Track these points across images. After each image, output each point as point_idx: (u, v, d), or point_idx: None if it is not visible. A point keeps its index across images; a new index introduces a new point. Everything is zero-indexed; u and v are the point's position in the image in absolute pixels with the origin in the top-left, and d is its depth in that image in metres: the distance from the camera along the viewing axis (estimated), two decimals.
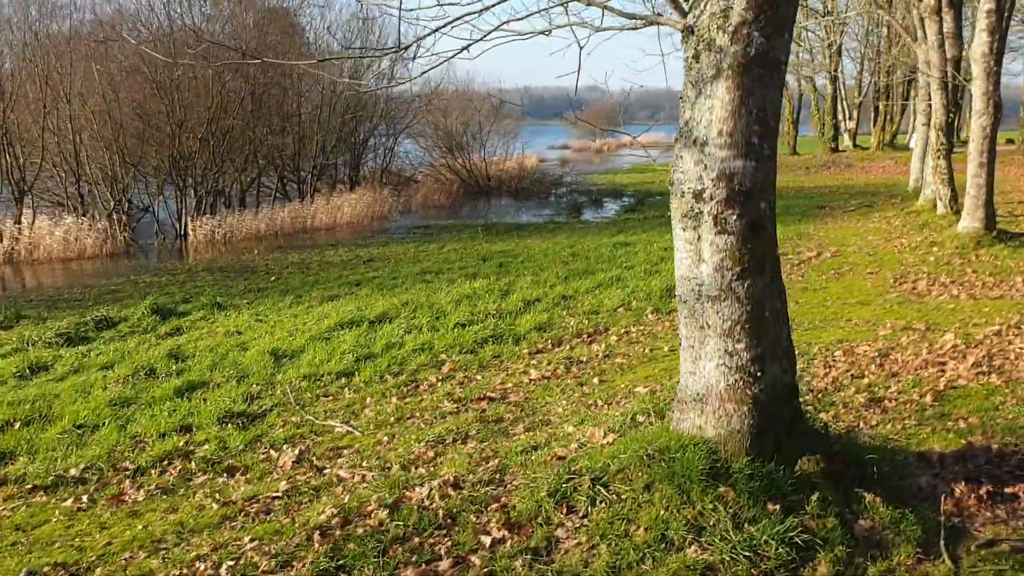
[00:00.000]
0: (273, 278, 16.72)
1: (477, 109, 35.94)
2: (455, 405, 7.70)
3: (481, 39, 5.52)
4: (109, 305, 13.88)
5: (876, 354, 8.65)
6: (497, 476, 5.62)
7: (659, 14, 4.94)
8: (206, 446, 6.88)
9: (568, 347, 9.89)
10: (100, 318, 12.36)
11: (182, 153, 22.47)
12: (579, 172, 47.73)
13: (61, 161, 22.05)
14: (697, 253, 4.83)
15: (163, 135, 22.33)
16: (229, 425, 7.40)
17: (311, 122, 27.38)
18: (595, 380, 8.37)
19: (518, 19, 5.06)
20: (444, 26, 5.34)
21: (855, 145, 49.70)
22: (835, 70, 43.56)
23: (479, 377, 8.77)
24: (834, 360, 8.55)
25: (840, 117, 50.35)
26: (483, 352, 9.68)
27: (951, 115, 19.80)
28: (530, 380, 8.49)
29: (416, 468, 6.04)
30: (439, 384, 8.51)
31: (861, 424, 6.50)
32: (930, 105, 20.05)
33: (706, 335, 4.87)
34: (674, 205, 4.92)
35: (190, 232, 22.02)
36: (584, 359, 9.24)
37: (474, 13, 5.34)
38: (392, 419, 7.40)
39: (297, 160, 27.32)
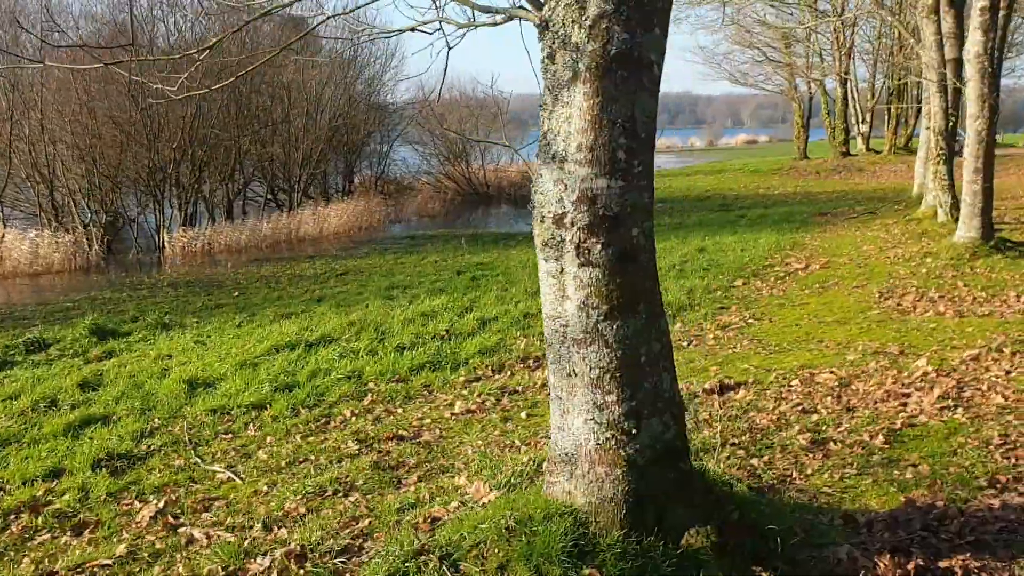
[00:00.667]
0: (236, 293, 16.04)
1: (474, 115, 35.16)
2: (358, 446, 6.95)
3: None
4: (54, 325, 13.22)
5: (837, 383, 7.85)
6: (357, 543, 4.89)
7: (520, 6, 4.17)
8: (67, 496, 6.15)
9: (508, 374, 9.13)
10: (32, 340, 11.70)
11: (158, 164, 21.82)
12: None
13: (34, 171, 21.44)
14: (561, 288, 4.07)
15: (140, 145, 21.69)
16: (104, 469, 6.68)
17: (296, 129, 26.70)
18: (523, 415, 7.61)
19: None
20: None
21: (868, 149, 48.58)
22: (845, 73, 42.55)
23: (400, 411, 8.02)
24: (788, 391, 7.75)
25: (852, 121, 49.33)
26: (415, 381, 8.93)
27: (952, 119, 18.91)
28: (452, 414, 7.74)
29: (278, 528, 5.31)
30: (353, 419, 7.77)
31: (794, 474, 5.70)
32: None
33: (574, 385, 4.11)
34: (535, 232, 4.16)
35: (166, 245, 21.35)
36: (520, 388, 8.48)
37: None
38: (284, 463, 6.66)
39: (288, 168, 26.64)
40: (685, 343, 10.25)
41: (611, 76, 3.81)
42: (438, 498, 5.43)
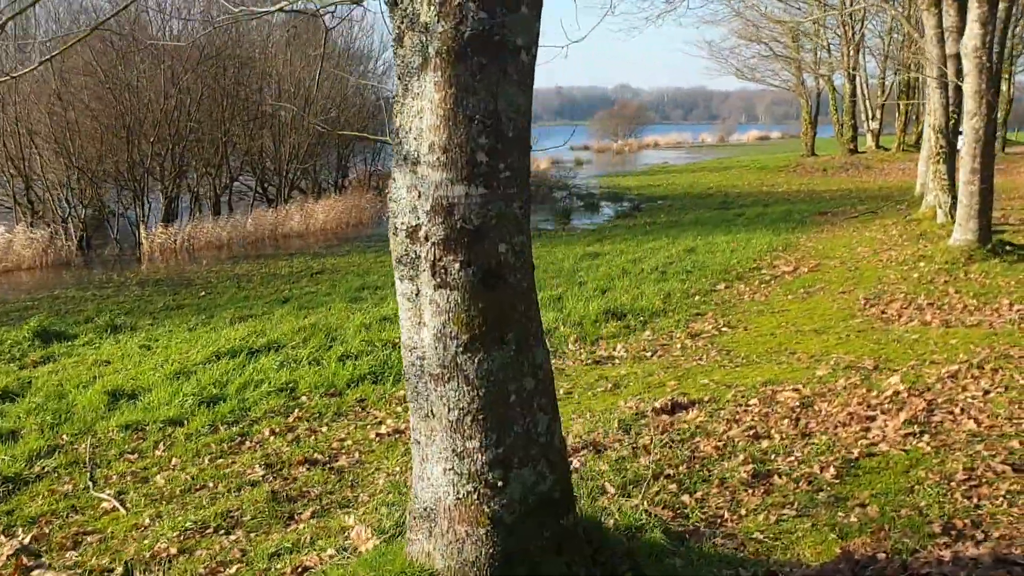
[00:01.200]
0: (203, 293, 15.47)
1: None
2: (265, 472, 6.35)
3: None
4: (3, 327, 12.67)
5: (799, 403, 7.21)
6: None
7: None
8: None
9: None
10: None
11: (136, 157, 21.27)
12: (591, 175, 46.22)
13: (8, 164, 20.92)
14: (417, 314, 3.46)
15: (117, 138, 21.14)
16: None
17: (283, 122, 26.10)
18: None
19: None
20: None
21: (878, 146, 47.72)
22: (853, 68, 41.71)
23: (324, 429, 7.42)
24: (745, 411, 7.11)
25: (862, 117, 48.55)
26: (350, 395, 8.34)
27: (953, 116, 18.18)
28: (379, 435, 7.14)
29: (141, 573, 4.71)
30: (271, 439, 7.17)
31: (727, 514, 5.07)
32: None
33: (432, 428, 3.50)
34: (391, 246, 3.55)
35: (143, 241, 20.80)
36: None
37: None
38: (179, 490, 6.07)
39: (278, 163, 26.06)
40: (650, 353, 9.62)
41: (466, 63, 3.19)
42: (319, 541, 4.83)
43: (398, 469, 6.27)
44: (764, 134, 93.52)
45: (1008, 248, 14.33)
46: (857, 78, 42.90)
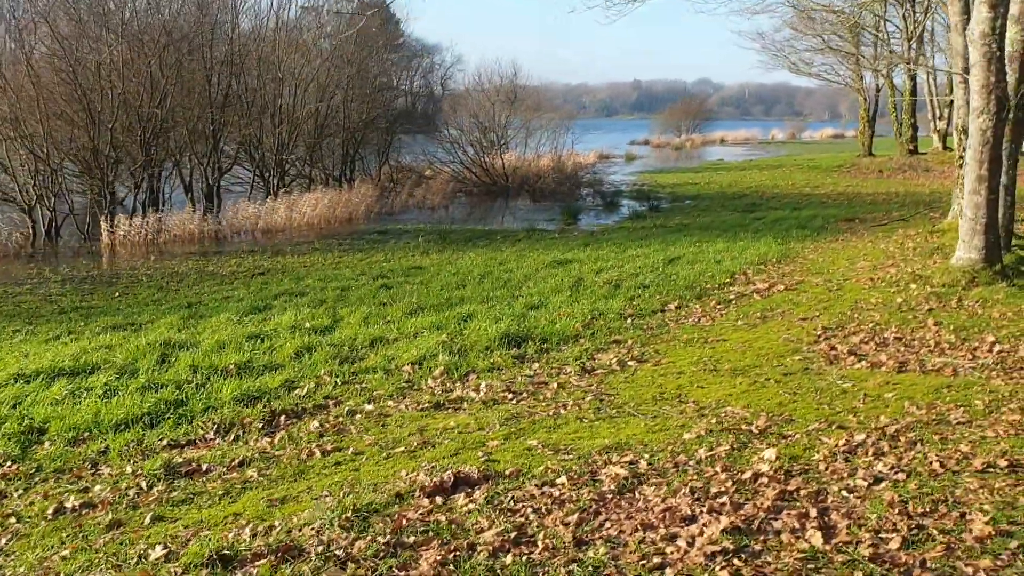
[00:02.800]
0: (118, 294, 14.10)
1: (491, 102, 32.89)
2: None
3: None
4: None
5: (616, 488, 5.43)
6: None
7: None
8: None
9: (236, 435, 6.89)
10: None
11: (99, 145, 20.02)
12: (635, 171, 44.20)
13: None
14: None
15: (78, 124, 19.95)
16: None
17: (274, 111, 24.72)
18: (147, 519, 5.35)
19: None
20: None
21: (945, 147, 44.72)
22: (914, 63, 38.93)
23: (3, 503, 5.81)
24: (534, 497, 5.33)
25: (929, 116, 45.69)
26: (92, 445, 6.73)
27: None
28: (46, 520, 5.51)
29: None
30: None
31: None
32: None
33: None
34: None
35: (103, 234, 19.57)
36: (203, 465, 6.22)
37: None
38: None
39: (261, 153, 24.70)
40: (512, 395, 7.86)
41: None
42: None
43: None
44: (839, 132, 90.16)
45: (1022, 270, 12.17)
46: (920, 74, 40.07)
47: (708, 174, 40.27)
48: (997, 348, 8.79)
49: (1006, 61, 12.94)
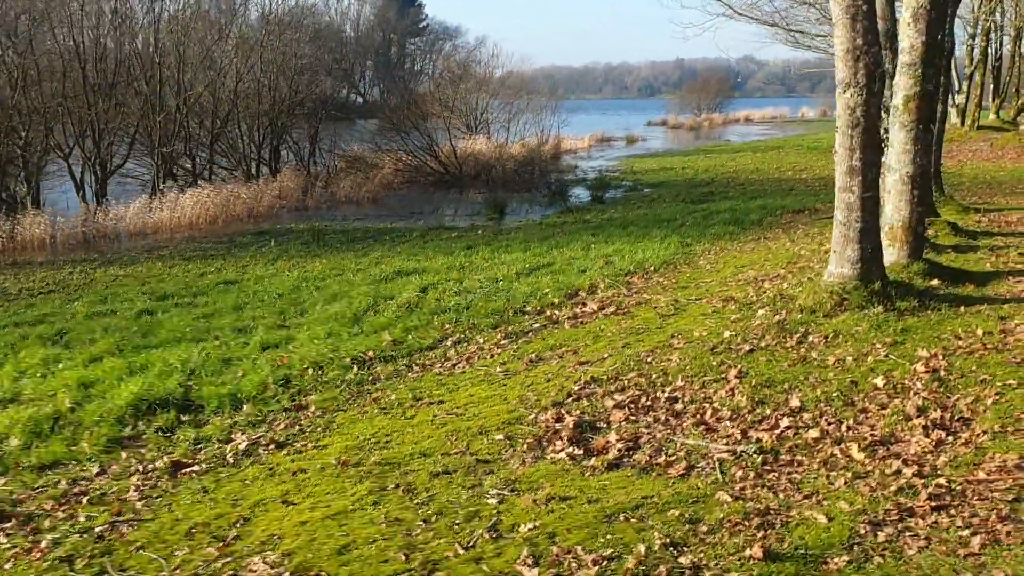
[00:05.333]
0: None
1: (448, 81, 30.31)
2: None
3: None
4: None
5: None
6: None
7: None
8: None
9: None
10: None
11: None
12: (622, 155, 41.38)
13: None
14: None
15: None
16: None
17: (155, 99, 22.29)
18: None
19: None
20: None
21: (963, 123, 41.28)
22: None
23: None
24: None
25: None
26: None
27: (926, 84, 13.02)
28: None
29: None
30: None
31: None
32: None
33: None
34: None
35: None
36: None
37: None
38: None
39: (158, 146, 22.27)
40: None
41: None
42: None
43: None
44: None
45: (911, 289, 9.35)
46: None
47: (695, 158, 37.29)
48: (785, 423, 6.09)
49: (908, 20, 10.16)
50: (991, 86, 44.87)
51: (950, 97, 42.02)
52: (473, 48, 75.14)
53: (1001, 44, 41.75)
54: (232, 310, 10.93)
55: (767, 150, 39.11)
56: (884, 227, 10.62)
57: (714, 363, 7.52)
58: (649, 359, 7.84)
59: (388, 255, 15.21)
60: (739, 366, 7.37)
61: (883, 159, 10.54)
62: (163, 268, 14.96)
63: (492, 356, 8.56)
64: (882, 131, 10.68)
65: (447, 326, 9.68)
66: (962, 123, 41.35)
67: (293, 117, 27.08)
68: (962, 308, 8.82)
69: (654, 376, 7.30)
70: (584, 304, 10.56)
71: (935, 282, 9.90)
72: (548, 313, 10.18)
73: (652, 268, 12.72)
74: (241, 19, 25.84)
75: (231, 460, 6.11)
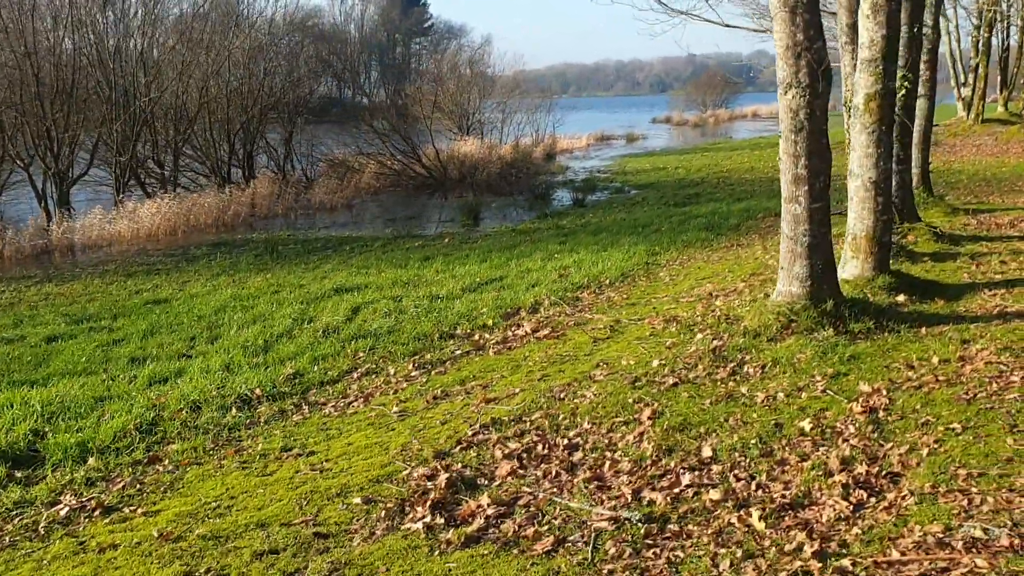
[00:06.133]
0: None
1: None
2: None
3: None
4: None
5: None
6: None
7: None
8: None
9: None
10: None
11: None
12: (618, 154, 40.46)
13: None
14: None
15: None
16: None
17: (112, 103, 21.48)
18: None
19: None
20: None
21: (970, 115, 40.14)
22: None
23: None
24: None
25: (952, 83, 41.22)
26: None
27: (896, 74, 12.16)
28: None
29: None
30: None
31: None
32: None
33: None
34: None
35: None
36: None
37: None
38: None
39: (116, 154, 21.47)
40: None
41: None
42: None
43: None
44: None
45: (869, 307, 8.44)
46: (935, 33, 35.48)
47: (691, 157, 36.36)
48: (687, 480, 5.23)
49: (867, 12, 9.26)
50: (998, 78, 43.68)
51: (955, 90, 41.00)
52: (479, 47, 74.41)
53: (1008, 35, 40.49)
54: (142, 336, 10.09)
55: (766, 147, 38.04)
56: (847, 237, 9.74)
57: (630, 400, 6.64)
58: (562, 395, 6.96)
59: (337, 269, 14.35)
60: (657, 404, 6.49)
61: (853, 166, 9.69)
62: (100, 285, 14.13)
63: (396, 391, 7.69)
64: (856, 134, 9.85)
65: (360, 354, 8.82)
66: (968, 116, 40.25)
67: (265, 121, 26.20)
68: (923, 330, 7.91)
69: (560, 417, 6.43)
70: (519, 326, 9.69)
71: (900, 298, 9.01)
72: (477, 337, 9.29)
73: (607, 281, 11.83)
74: (206, 20, 24.88)
75: (42, 531, 5.26)
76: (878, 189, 9.43)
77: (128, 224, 19.40)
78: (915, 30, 12.74)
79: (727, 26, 10.20)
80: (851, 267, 9.56)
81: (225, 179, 24.84)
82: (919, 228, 12.67)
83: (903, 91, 12.95)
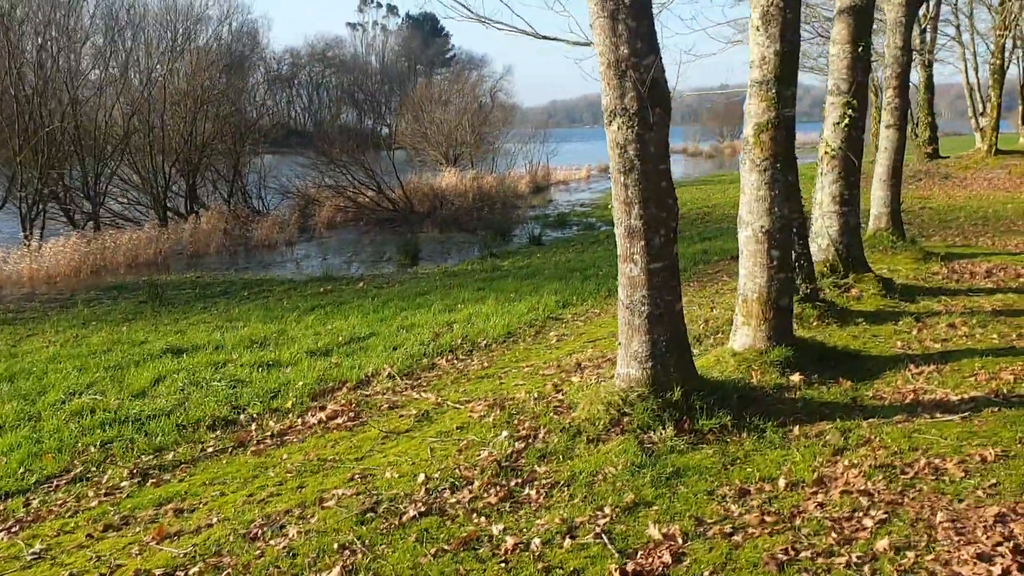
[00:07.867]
0: None
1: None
2: None
3: None
4: None
5: None
6: None
7: None
8: None
9: None
10: None
11: None
12: (605, 188, 38.51)
13: None
14: None
15: None
16: None
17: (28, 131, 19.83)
18: None
19: None
20: None
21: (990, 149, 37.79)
22: (930, 53, 32.49)
23: None
24: None
25: (970, 113, 39.03)
26: None
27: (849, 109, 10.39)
28: None
29: None
30: None
31: None
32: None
33: None
34: None
35: None
36: None
37: None
38: None
39: (22, 188, 19.81)
40: None
41: None
42: None
43: None
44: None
45: (756, 388, 6.44)
46: (932, 64, 33.56)
47: (684, 190, 34.13)
48: None
49: (757, 23, 7.32)
50: (1020, 108, 41.43)
51: (972, 120, 38.82)
52: (500, 77, 73.12)
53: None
54: None
55: None
56: (738, 299, 7.71)
57: (335, 545, 4.64)
58: (264, 531, 4.99)
59: (204, 321, 12.49)
60: (361, 554, 4.51)
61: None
62: None
63: (78, 511, 5.76)
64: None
65: (92, 450, 6.89)
66: (988, 148, 37.98)
67: (209, 152, 24.50)
68: (797, 429, 5.88)
69: (231, 572, 4.45)
70: (323, 408, 7.72)
71: (795, 377, 6.97)
72: (253, 427, 7.33)
73: (484, 343, 9.88)
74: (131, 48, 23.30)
75: None
76: (771, 241, 7.38)
77: (29, 264, 17.66)
78: (859, 49, 10.80)
79: (544, 38, 8.22)
80: (741, 336, 7.53)
81: (164, 212, 23.10)
82: (867, 279, 10.63)
83: (846, 120, 11.07)
